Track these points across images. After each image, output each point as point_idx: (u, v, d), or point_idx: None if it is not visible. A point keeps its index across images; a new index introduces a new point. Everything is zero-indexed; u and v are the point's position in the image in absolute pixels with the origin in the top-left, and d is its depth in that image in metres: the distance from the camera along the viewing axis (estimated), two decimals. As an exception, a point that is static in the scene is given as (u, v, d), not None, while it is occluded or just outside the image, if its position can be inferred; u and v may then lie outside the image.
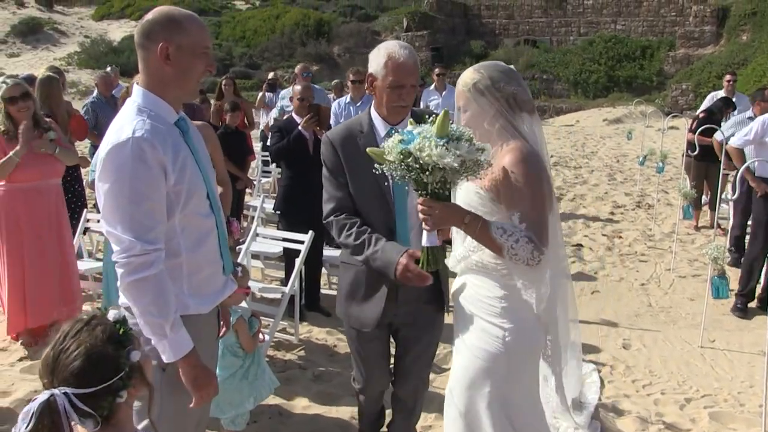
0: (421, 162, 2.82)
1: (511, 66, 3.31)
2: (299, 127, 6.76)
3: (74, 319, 2.12)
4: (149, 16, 2.88)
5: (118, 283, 2.78)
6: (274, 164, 11.26)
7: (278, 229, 7.27)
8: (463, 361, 3.35)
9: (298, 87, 7.35)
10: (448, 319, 3.77)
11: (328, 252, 7.39)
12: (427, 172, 2.83)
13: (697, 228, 10.69)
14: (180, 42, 2.82)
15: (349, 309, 3.85)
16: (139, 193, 2.70)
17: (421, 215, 3.03)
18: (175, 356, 2.78)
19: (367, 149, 3.12)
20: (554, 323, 3.33)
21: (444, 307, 3.90)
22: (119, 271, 2.73)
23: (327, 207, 3.71)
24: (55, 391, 1.95)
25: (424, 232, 3.07)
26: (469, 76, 3.20)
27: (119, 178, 2.71)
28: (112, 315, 2.10)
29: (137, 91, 2.91)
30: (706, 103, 12.83)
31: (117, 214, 2.72)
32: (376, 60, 3.61)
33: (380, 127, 3.70)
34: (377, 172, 3.04)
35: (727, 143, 7.82)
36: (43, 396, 1.96)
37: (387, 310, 3.73)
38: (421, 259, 3.10)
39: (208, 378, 2.91)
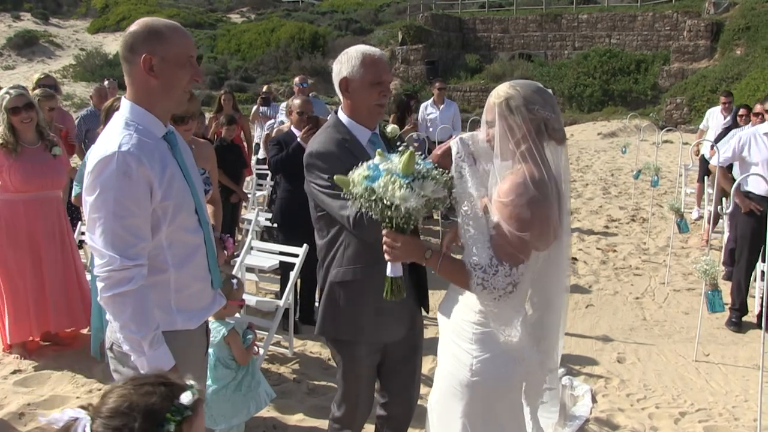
0: (385, 200, 2.83)
1: (549, 89, 3.20)
2: (298, 139, 6.77)
3: (156, 373, 1.96)
4: (131, 28, 2.86)
5: (98, 298, 2.76)
6: (269, 177, 11.29)
7: (264, 239, 7.25)
8: (438, 384, 3.32)
9: (297, 101, 7.37)
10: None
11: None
12: (392, 208, 2.84)
13: (707, 242, 10.35)
14: (163, 53, 2.81)
15: (364, 328, 3.65)
16: (122, 208, 2.69)
17: (384, 246, 3.03)
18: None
19: (335, 177, 3.06)
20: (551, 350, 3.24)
21: (427, 310, 3.93)
22: (99, 285, 2.72)
23: (349, 210, 3.31)
24: (84, 414, 1.83)
25: (389, 263, 3.06)
26: (503, 90, 3.02)
27: (103, 192, 2.69)
28: (184, 398, 1.89)
29: (125, 105, 2.90)
30: (706, 121, 12.97)
31: (100, 228, 2.71)
32: (349, 63, 3.61)
33: (359, 134, 3.66)
34: (343, 197, 3.04)
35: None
36: (73, 413, 1.84)
37: (404, 322, 3.75)
38: (385, 289, 3.07)
39: None
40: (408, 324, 3.80)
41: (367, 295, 3.56)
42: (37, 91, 7.73)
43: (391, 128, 3.94)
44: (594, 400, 5.59)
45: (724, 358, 6.55)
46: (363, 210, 2.97)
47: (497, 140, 3.01)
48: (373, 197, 2.84)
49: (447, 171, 2.99)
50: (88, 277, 6.87)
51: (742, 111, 10.72)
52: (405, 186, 2.78)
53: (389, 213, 2.85)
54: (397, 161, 2.86)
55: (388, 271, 3.06)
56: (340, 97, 3.72)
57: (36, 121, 6.10)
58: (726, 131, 10.63)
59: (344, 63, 3.63)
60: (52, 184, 6.20)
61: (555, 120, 3.00)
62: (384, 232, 3.01)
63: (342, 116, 3.71)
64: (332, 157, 3.52)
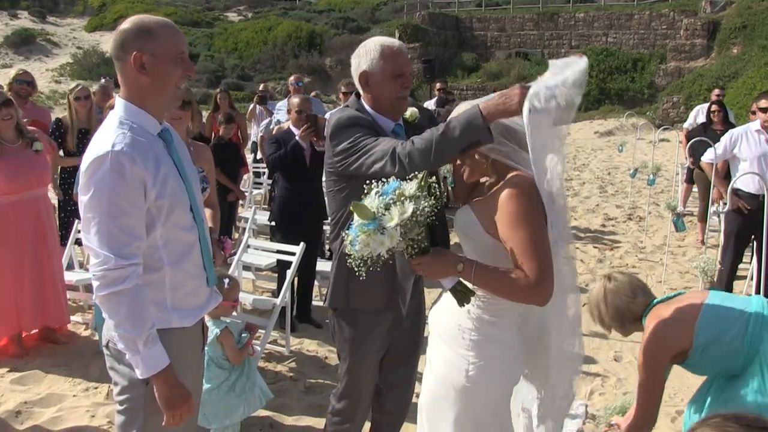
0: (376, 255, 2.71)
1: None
2: (297, 138, 6.76)
3: (757, 416, 1.68)
4: (122, 26, 2.85)
5: (94, 297, 2.76)
6: (266, 176, 11.29)
7: (271, 239, 7.26)
8: (428, 386, 3.30)
9: (295, 99, 7.35)
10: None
11: (321, 264, 7.37)
12: (389, 252, 2.71)
13: (702, 242, 10.35)
14: (153, 50, 2.79)
15: (374, 295, 3.63)
16: (116, 208, 2.68)
17: (418, 271, 2.95)
18: (147, 372, 2.76)
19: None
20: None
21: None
22: (95, 283, 2.72)
23: (387, 147, 3.25)
24: None
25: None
26: None
27: (97, 192, 2.69)
28: None
29: (119, 104, 2.89)
30: (691, 118, 12.95)
31: (94, 228, 2.71)
32: (367, 56, 3.55)
33: (384, 123, 3.60)
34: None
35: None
36: None
37: (408, 294, 3.67)
38: (456, 300, 2.95)
39: (183, 397, 2.86)
40: (415, 304, 3.77)
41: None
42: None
43: (410, 112, 3.84)
44: (587, 415, 5.57)
45: None
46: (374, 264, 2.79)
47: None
48: (364, 257, 2.72)
49: (413, 177, 2.80)
50: (80, 275, 6.88)
51: (714, 107, 10.68)
52: (375, 232, 2.67)
53: (391, 254, 2.74)
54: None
55: (444, 284, 2.96)
56: (361, 91, 3.67)
57: (15, 120, 5.99)
58: (702, 128, 10.61)
59: (363, 56, 3.58)
60: (37, 182, 6.11)
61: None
62: (410, 261, 2.90)
63: (364, 104, 3.66)
64: (364, 120, 3.50)
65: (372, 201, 2.72)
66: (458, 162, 3.16)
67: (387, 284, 3.62)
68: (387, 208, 2.68)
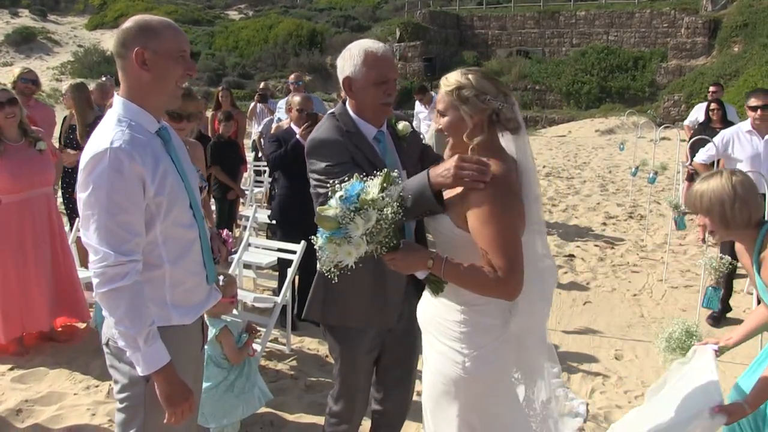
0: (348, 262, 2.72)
1: (502, 79, 3.16)
2: (297, 136, 6.75)
3: None
4: (124, 25, 2.87)
5: (94, 294, 2.76)
6: (267, 174, 11.29)
7: (267, 237, 7.24)
8: (427, 382, 3.29)
9: (297, 98, 7.33)
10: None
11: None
12: (361, 255, 2.72)
13: (703, 240, 10.27)
14: (155, 47, 2.81)
15: (353, 312, 3.62)
16: (115, 204, 2.68)
17: (391, 266, 2.95)
18: (148, 369, 2.76)
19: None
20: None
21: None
22: (94, 280, 2.72)
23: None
24: None
25: None
26: (454, 78, 3.00)
27: (96, 189, 2.69)
28: None
29: (118, 102, 2.89)
30: (692, 115, 12.90)
31: (93, 225, 2.71)
32: (351, 61, 3.47)
33: (366, 129, 3.55)
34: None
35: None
36: None
37: (396, 308, 3.65)
38: (430, 290, 3.03)
39: (184, 395, 2.86)
40: (408, 305, 3.72)
41: (359, 279, 3.28)
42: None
43: (402, 125, 3.80)
44: (587, 413, 5.56)
45: (722, 355, 6.55)
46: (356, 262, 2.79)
47: (451, 131, 3.03)
48: (334, 263, 2.74)
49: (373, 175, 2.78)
50: (81, 273, 6.87)
51: (714, 105, 10.62)
52: (341, 240, 2.68)
53: (371, 249, 2.76)
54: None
55: (417, 275, 2.99)
56: (345, 96, 3.62)
57: (18, 118, 5.96)
58: (702, 127, 10.55)
59: (347, 60, 3.50)
60: (41, 181, 6.09)
61: (508, 109, 2.98)
62: (379, 257, 2.91)
63: (349, 109, 3.60)
64: (336, 144, 3.43)
65: (336, 206, 2.71)
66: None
67: (364, 305, 3.60)
68: (351, 215, 2.67)
